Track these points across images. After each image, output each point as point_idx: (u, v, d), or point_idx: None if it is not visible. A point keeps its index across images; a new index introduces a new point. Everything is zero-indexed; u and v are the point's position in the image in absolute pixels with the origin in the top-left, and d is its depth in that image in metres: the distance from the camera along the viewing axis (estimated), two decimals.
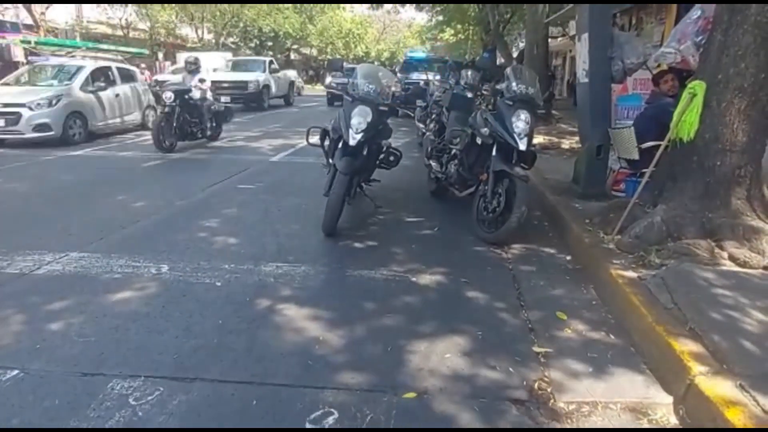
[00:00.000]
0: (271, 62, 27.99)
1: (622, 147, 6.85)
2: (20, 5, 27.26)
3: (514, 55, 27.00)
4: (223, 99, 22.59)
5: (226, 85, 23.95)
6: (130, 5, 35.31)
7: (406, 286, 4.90)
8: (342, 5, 63.47)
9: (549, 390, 3.34)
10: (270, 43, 52.76)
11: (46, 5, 27.15)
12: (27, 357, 3.55)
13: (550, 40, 22.34)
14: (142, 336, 3.86)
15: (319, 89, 46.20)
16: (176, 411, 3.04)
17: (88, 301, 4.40)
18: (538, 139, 11.59)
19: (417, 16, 58.96)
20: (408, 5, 36.92)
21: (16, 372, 3.36)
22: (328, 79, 28.25)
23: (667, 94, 6.64)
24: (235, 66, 27.36)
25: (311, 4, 53.58)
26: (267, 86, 26.05)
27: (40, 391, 3.18)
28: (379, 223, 6.89)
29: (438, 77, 15.38)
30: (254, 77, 25.23)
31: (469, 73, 9.02)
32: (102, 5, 35.06)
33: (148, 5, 35.73)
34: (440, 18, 41.50)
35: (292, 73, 34.05)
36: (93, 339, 3.79)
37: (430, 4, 36.85)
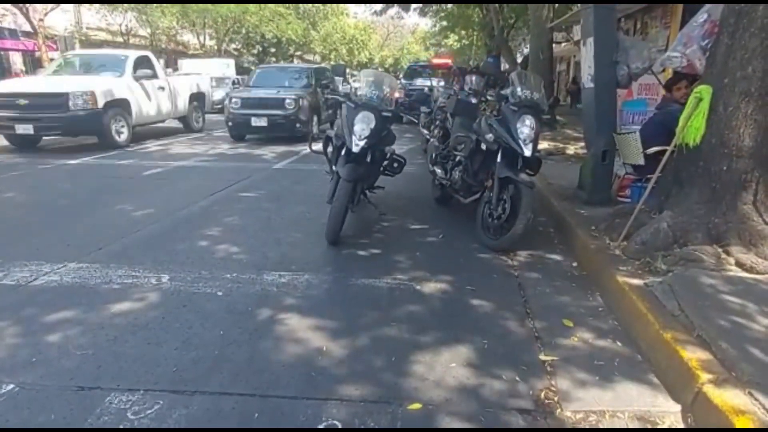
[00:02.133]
0: (141, 60, 15.92)
1: (627, 152, 6.81)
2: (18, 12, 27.27)
3: (519, 60, 27.05)
4: (21, 128, 13.13)
5: (23, 102, 13.07)
6: (130, 12, 35.33)
7: (411, 295, 4.86)
8: (345, 11, 63.81)
9: (556, 399, 3.29)
10: (273, 50, 52.89)
11: (44, 12, 27.14)
12: (22, 371, 3.50)
13: (554, 45, 22.36)
14: (141, 348, 3.81)
15: None
16: (176, 425, 3.00)
17: (86, 312, 4.35)
18: (543, 145, 11.57)
19: (421, 22, 59.29)
20: (412, 11, 36.89)
21: (11, 386, 3.32)
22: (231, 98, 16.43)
23: (679, 101, 6.54)
24: (66, 66, 15.92)
25: (314, 11, 53.80)
26: (124, 103, 14.44)
27: (36, 406, 3.14)
28: (383, 231, 6.85)
29: (442, 83, 15.36)
30: (85, 86, 13.50)
31: (474, 78, 8.98)
32: (102, 12, 35.09)
33: (149, 11, 35.73)
34: (444, 23, 41.66)
35: (194, 80, 19.56)
36: (90, 352, 3.75)
37: (434, 10, 36.96)
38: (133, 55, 16.09)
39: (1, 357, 3.68)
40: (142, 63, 15.80)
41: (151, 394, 3.26)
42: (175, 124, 18.46)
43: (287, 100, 15.08)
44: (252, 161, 12.36)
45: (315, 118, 16.37)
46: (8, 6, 28.37)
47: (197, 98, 19.10)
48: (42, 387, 3.33)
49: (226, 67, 37.18)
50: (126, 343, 3.87)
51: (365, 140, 6.04)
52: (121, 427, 2.97)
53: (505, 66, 26.75)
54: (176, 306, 4.50)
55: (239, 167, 11.35)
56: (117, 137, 14.21)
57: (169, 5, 36.24)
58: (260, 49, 51.97)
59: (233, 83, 21.58)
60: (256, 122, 15.25)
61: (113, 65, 15.32)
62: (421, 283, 5.09)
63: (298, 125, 15.28)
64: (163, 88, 16.57)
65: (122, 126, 14.43)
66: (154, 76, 16.20)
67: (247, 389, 3.34)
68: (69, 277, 5.09)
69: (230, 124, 15.93)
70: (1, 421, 3.00)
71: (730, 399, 2.88)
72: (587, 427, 3.06)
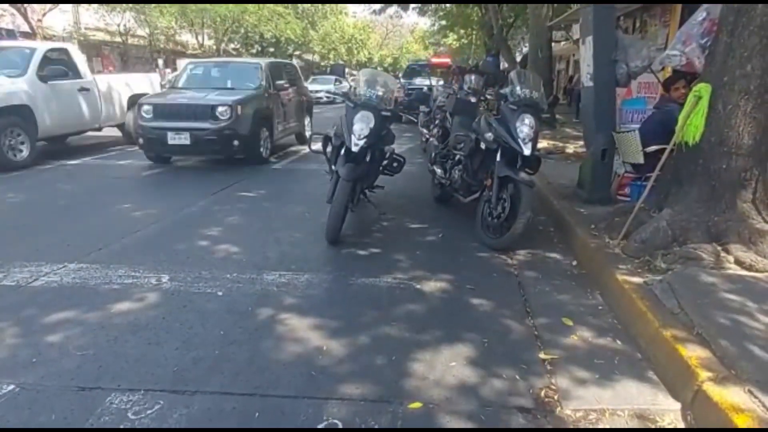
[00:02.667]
0: (53, 55, 12.26)
1: (626, 151, 6.81)
2: (16, 12, 27.17)
3: (518, 59, 27.04)
4: None
5: None
6: (128, 12, 35.28)
7: (411, 294, 4.86)
8: (344, 10, 63.77)
9: (555, 398, 3.30)
10: (272, 50, 52.82)
11: (42, 12, 27.06)
12: (23, 371, 3.50)
13: (553, 44, 22.34)
14: (141, 348, 3.82)
15: None
16: (176, 425, 3.00)
17: (87, 313, 4.35)
18: (542, 144, 11.57)
19: (420, 21, 59.22)
20: (411, 10, 36.89)
21: (12, 387, 3.32)
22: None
23: (677, 101, 6.52)
24: None
25: (313, 10, 53.72)
26: (22, 111, 10.93)
27: (36, 406, 3.14)
28: (382, 230, 6.86)
29: (441, 82, 15.36)
30: None
31: (473, 77, 8.99)
32: (100, 12, 35.02)
33: (147, 11, 35.70)
34: (443, 23, 41.65)
35: (134, 79, 15.43)
36: (91, 352, 3.75)
37: (432, 9, 36.96)
38: (42, 48, 12.17)
39: (2, 357, 3.68)
40: (55, 59, 12.02)
41: (152, 394, 3.26)
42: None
43: (219, 108, 10.53)
44: (251, 161, 12.32)
45: (266, 133, 11.85)
46: (6, 6, 28.29)
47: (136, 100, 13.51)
48: (43, 387, 3.33)
49: None
50: (126, 344, 3.88)
51: (364, 140, 6.04)
52: (121, 427, 2.98)
53: (504, 65, 26.71)
54: (176, 306, 4.50)
55: (238, 167, 11.32)
56: (12, 156, 10.61)
57: (167, 5, 36.19)
58: (259, 48, 51.86)
59: None
60: (174, 139, 10.54)
61: (13, 62, 11.56)
62: (421, 282, 5.09)
63: (236, 143, 10.76)
64: (87, 90, 12.85)
65: (20, 141, 10.82)
66: (74, 74, 12.46)
67: (247, 389, 3.35)
68: (69, 277, 5.08)
69: (141, 141, 11.08)
70: (1, 422, 3.01)
71: (729, 397, 2.89)
72: (587, 424, 3.06)
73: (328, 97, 31.23)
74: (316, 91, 32.61)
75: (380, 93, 6.47)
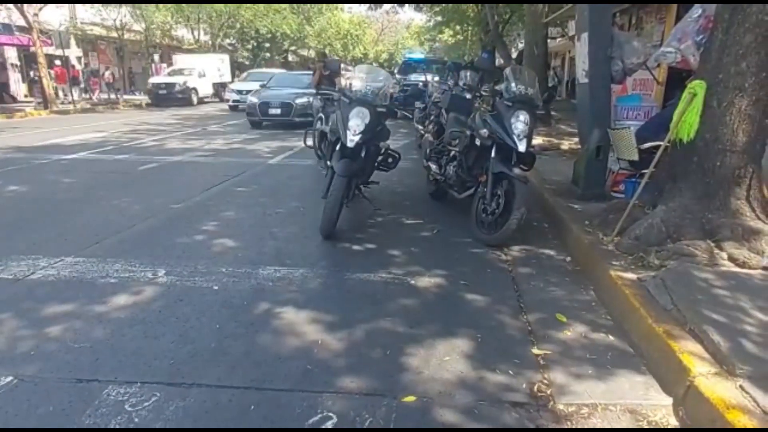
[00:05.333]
0: None
1: (621, 148, 6.83)
2: (12, 7, 26.96)
3: (513, 55, 27.00)
4: None
5: None
6: (124, 7, 35.08)
7: (405, 289, 4.88)
8: (340, 6, 63.58)
9: (549, 392, 3.32)
10: (267, 45, 52.66)
11: (38, 7, 26.83)
12: (21, 363, 3.52)
13: (549, 40, 22.31)
14: (138, 341, 3.83)
15: None
16: (173, 417, 3.01)
17: (84, 306, 4.37)
18: (537, 140, 11.57)
19: (416, 17, 59.08)
20: (407, 6, 36.81)
21: (10, 379, 3.33)
22: None
23: None
24: None
25: (309, 5, 53.56)
26: None
27: (35, 398, 3.15)
28: (377, 226, 6.87)
29: (437, 78, 15.33)
30: None
31: (468, 73, 8.99)
32: (96, 7, 34.82)
33: (143, 6, 35.54)
34: (439, 18, 41.58)
35: None
36: (88, 345, 3.77)
37: (429, 5, 36.90)
38: None
39: (0, 350, 3.69)
40: None
41: (149, 387, 3.28)
42: None
43: None
44: (247, 157, 12.33)
45: None
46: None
47: None
48: (40, 379, 3.35)
49: (221, 63, 37.08)
50: (123, 337, 3.89)
51: (360, 135, 6.06)
52: (118, 419, 2.99)
53: (499, 61, 26.66)
54: (173, 300, 4.51)
55: (235, 162, 11.33)
56: None
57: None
58: (255, 44, 51.74)
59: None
60: None
61: None
62: (416, 278, 5.11)
63: None
64: None
65: None
66: None
67: (243, 382, 3.36)
68: (66, 271, 5.09)
69: None
70: (0, 414, 3.03)
71: (721, 392, 2.91)
72: (579, 419, 3.08)
73: None
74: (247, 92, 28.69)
75: (376, 89, 6.49)
